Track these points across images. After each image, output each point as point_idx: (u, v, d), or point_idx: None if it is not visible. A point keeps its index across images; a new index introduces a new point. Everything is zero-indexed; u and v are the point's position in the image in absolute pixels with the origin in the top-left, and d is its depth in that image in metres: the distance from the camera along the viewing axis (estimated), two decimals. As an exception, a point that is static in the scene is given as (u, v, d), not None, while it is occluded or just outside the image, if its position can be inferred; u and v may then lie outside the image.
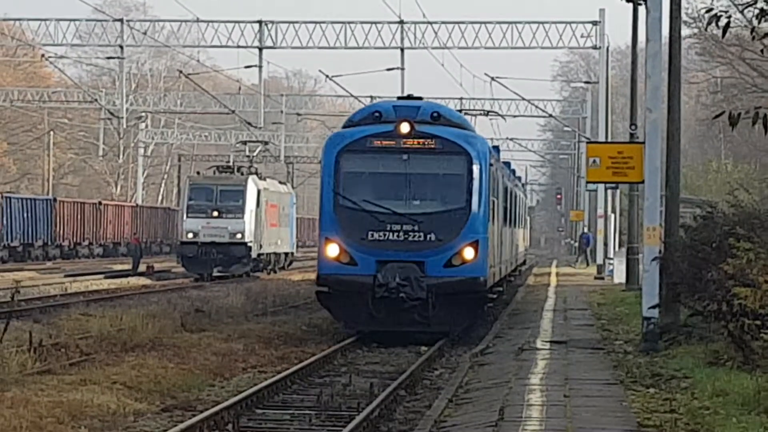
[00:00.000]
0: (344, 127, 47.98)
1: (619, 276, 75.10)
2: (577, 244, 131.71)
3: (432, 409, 27.30)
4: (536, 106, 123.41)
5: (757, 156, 43.22)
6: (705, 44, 54.33)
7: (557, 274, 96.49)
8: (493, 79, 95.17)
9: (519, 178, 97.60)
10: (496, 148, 59.66)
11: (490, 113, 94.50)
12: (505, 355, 37.26)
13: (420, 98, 53.81)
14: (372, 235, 39.71)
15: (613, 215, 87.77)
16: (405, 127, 40.62)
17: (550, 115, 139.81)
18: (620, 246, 78.49)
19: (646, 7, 40.16)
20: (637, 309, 42.77)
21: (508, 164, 77.02)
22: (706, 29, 48.40)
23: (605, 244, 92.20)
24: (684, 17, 43.07)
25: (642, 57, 49.00)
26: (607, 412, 25.61)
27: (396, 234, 39.93)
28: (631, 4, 48.70)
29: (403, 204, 42.33)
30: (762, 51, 14.99)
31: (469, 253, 42.44)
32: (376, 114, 41.69)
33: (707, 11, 17.45)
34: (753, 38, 15.00)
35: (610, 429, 23.74)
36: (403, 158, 41.30)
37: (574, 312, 55.63)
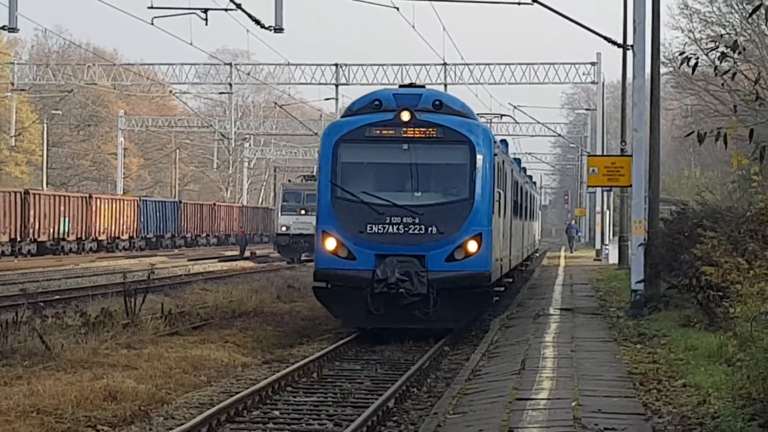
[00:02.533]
0: (343, 116, 37.23)
1: (613, 258, 74.68)
2: (565, 234, 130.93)
3: (470, 361, 27.31)
4: (548, 128, 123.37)
5: (719, 165, 43.30)
6: (678, 79, 53.93)
7: (565, 257, 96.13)
8: (515, 107, 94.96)
9: (530, 177, 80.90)
10: (504, 142, 46.77)
11: (504, 116, 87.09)
12: (525, 319, 36.72)
13: (423, 86, 40.97)
14: (371, 228, 31.33)
15: (608, 211, 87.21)
16: (405, 116, 32.12)
17: (559, 135, 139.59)
18: (614, 235, 77.99)
19: (633, 52, 39.97)
20: (626, 284, 42.36)
21: (518, 161, 60.21)
22: (679, 68, 47.95)
23: (602, 234, 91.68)
24: (662, 59, 42.71)
25: (630, 90, 48.49)
26: (604, 363, 25.51)
27: (396, 227, 31.48)
28: (621, 49, 48.43)
29: (404, 195, 33.03)
30: (722, 84, 15.03)
31: (472, 246, 32.82)
32: (376, 102, 32.92)
33: (680, 54, 17.38)
34: (715, 75, 14.84)
35: (606, 375, 23.59)
36: (404, 148, 32.40)
37: (578, 286, 54.35)
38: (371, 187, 31.00)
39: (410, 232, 30.67)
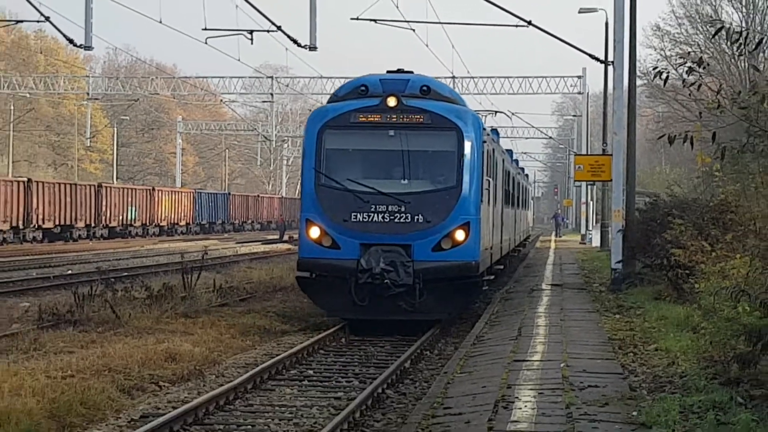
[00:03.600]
0: (329, 101, 31.45)
1: (596, 242, 74.55)
2: (553, 221, 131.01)
3: (474, 328, 27.18)
4: (541, 132, 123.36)
5: (686, 163, 43.42)
6: (651, 90, 54.02)
7: (555, 241, 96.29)
8: (513, 113, 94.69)
9: (522, 169, 73.45)
10: (495, 132, 40.17)
11: (498, 112, 73.56)
12: (521, 293, 36.69)
13: (411, 72, 33.68)
14: (355, 217, 26.65)
15: (591, 202, 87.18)
16: (392, 101, 27.30)
17: (550, 137, 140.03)
18: (596, 222, 77.84)
19: (613, 67, 39.96)
20: (607, 263, 42.48)
21: (510, 152, 52.91)
22: (652, 80, 47.82)
23: (587, 221, 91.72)
24: (638, 73, 42.68)
25: (610, 99, 48.49)
26: (588, 330, 25.62)
27: (381, 215, 26.70)
28: (603, 65, 48.43)
29: (390, 183, 27.95)
30: (689, 94, 15.08)
31: (459, 235, 27.62)
32: (362, 88, 28.11)
33: (654, 69, 17.42)
34: (683, 86, 14.90)
35: (590, 341, 23.68)
36: (390, 134, 27.43)
37: (566, 265, 54.22)
38: (356, 174, 26.00)
39: (396, 220, 25.61)
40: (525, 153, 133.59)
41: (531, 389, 17.49)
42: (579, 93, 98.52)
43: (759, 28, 51.85)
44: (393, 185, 24.52)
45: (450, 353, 24.93)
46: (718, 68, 24.92)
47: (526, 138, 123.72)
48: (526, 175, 78.61)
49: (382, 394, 19.99)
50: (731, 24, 25.17)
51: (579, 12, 71.70)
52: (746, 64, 14.72)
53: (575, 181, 76.85)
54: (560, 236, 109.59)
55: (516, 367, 19.74)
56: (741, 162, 16.15)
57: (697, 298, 23.86)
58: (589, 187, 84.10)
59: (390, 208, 24.22)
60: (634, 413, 15.38)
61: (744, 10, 67.23)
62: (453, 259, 24.88)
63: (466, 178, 24.60)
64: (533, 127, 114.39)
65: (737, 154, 14.79)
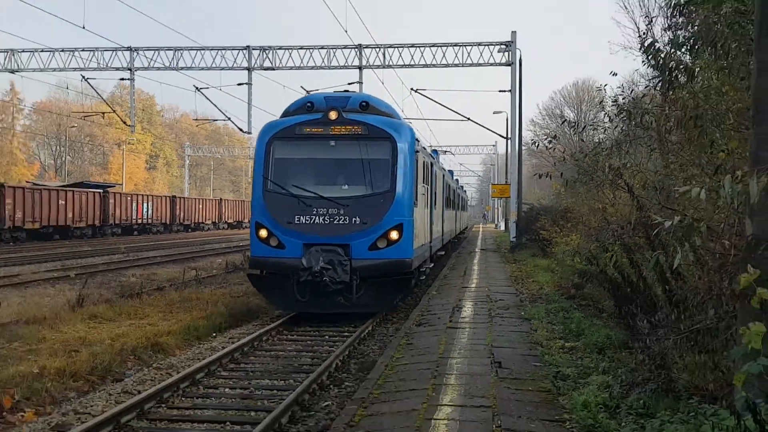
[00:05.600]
0: (281, 117, 21.12)
1: (502, 227, 74.69)
2: (482, 217, 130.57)
3: (442, 271, 25.73)
4: (474, 173, 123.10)
5: (547, 188, 43.51)
6: (530, 150, 54.63)
7: (482, 227, 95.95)
8: (460, 164, 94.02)
9: (462, 186, 59.52)
10: (436, 152, 30.00)
11: (446, 151, 61.50)
12: (465, 254, 36.26)
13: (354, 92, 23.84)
14: (299, 219, 17.83)
15: (500, 207, 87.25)
16: (333, 115, 19.24)
17: (479, 175, 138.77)
18: (503, 217, 77.89)
19: (510, 140, 40.38)
20: (508, 238, 42.43)
21: (451, 172, 40.87)
22: (531, 146, 47.89)
23: (498, 217, 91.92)
24: (523, 143, 42.96)
25: (510, 156, 48.69)
26: (499, 272, 25.47)
27: (322, 218, 17.90)
28: (505, 139, 48.65)
29: (330, 188, 18.71)
30: (549, 153, 15.53)
31: (393, 235, 17.95)
32: (309, 104, 19.83)
33: (532, 141, 18.11)
34: (546, 149, 15.62)
35: (500, 277, 23.49)
36: (331, 144, 18.92)
37: (488, 240, 53.05)
38: (300, 180, 18.01)
39: (336, 222, 17.35)
40: (466, 184, 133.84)
41: (471, 301, 17.43)
42: (494, 153, 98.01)
43: (584, 118, 52.40)
44: (333, 190, 17.00)
45: (426, 287, 24.09)
46: (563, 140, 25.30)
47: (467, 176, 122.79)
48: (465, 191, 66.36)
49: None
50: (568, 118, 25.84)
51: (493, 113, 74.68)
52: (577, 138, 15.33)
53: (492, 197, 76.74)
54: (486, 225, 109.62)
55: (463, 291, 19.64)
56: (574, 188, 16.73)
57: (553, 255, 24.25)
58: (498, 200, 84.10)
59: (330, 211, 16.60)
60: (522, 313, 15.31)
61: (576, 111, 69.37)
62: (388, 257, 16.53)
63: (399, 183, 16.78)
64: (470, 170, 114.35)
65: (573, 183, 15.40)
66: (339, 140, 16.98)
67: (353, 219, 16.14)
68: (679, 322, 8.54)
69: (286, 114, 17.93)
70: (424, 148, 20.54)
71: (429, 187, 21.09)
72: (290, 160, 17.06)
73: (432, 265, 23.56)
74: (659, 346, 8.31)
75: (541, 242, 29.13)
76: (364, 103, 17.62)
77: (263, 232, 16.33)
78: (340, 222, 16.21)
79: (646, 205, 10.87)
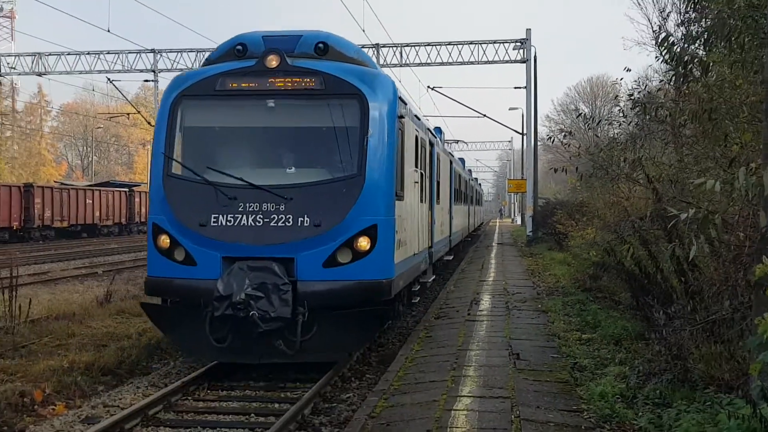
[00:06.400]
0: (202, 66, 11.10)
1: (519, 222, 74.67)
2: (499, 212, 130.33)
3: (460, 265, 26.11)
4: (490, 168, 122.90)
5: (563, 182, 43.17)
6: (545, 146, 54.48)
7: (498, 222, 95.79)
8: (477, 159, 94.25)
9: (476, 179, 50.70)
10: (438, 129, 19.44)
11: (458, 141, 50.82)
12: (482, 248, 36.26)
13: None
14: (217, 220, 8.94)
15: (516, 202, 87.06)
16: (273, 62, 9.70)
17: (495, 171, 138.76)
18: (520, 212, 77.70)
19: (526, 135, 40.31)
20: (524, 232, 42.19)
21: (462, 161, 34.45)
22: (546, 141, 47.55)
23: (514, 212, 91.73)
24: (539, 138, 42.82)
25: (526, 151, 48.58)
26: (516, 266, 25.41)
27: (253, 217, 8.91)
28: (521, 135, 48.63)
29: (266, 173, 9.60)
30: (565, 148, 15.54)
31: (361, 243, 9.10)
32: (239, 47, 10.22)
33: (548, 137, 18.03)
34: (561, 144, 15.55)
35: (517, 270, 23.44)
36: (269, 105, 9.64)
37: (505, 235, 52.87)
38: (220, 160, 10.11)
39: (273, 224, 9.50)
40: (483, 180, 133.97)
41: (488, 294, 17.31)
42: (510, 149, 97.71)
43: (598, 114, 52.13)
44: (271, 175, 10.14)
45: (448, 277, 22.87)
46: (578, 135, 25.28)
47: (483, 172, 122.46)
48: (480, 184, 57.71)
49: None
50: (584, 112, 25.80)
51: (508, 109, 73.89)
52: (592, 133, 15.34)
53: (508, 192, 76.62)
54: (502, 220, 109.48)
55: (480, 284, 19.59)
56: (589, 182, 16.66)
57: (569, 248, 24.21)
58: (515, 195, 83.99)
59: (265, 207, 9.80)
60: (539, 306, 15.16)
61: (590, 106, 68.93)
62: (353, 278, 9.59)
63: (372, 163, 9.95)
64: (487, 165, 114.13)
65: (588, 178, 15.35)
66: (281, 99, 10.24)
67: (301, 219, 9.58)
68: (695, 313, 8.49)
69: (207, 62, 11.15)
70: (418, 118, 13.47)
71: (427, 174, 14.72)
72: (205, 131, 10.52)
73: (434, 277, 16.75)
74: (675, 337, 8.27)
75: (557, 236, 29.11)
76: (321, 45, 10.85)
77: (164, 240, 9.87)
78: (281, 224, 9.58)
79: (662, 197, 10.80)
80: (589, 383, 8.61)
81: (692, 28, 11.55)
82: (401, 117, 10.76)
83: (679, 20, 15.16)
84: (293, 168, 10.14)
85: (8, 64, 43.95)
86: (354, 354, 10.99)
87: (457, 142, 49.34)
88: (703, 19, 10.59)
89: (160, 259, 9.88)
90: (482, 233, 56.35)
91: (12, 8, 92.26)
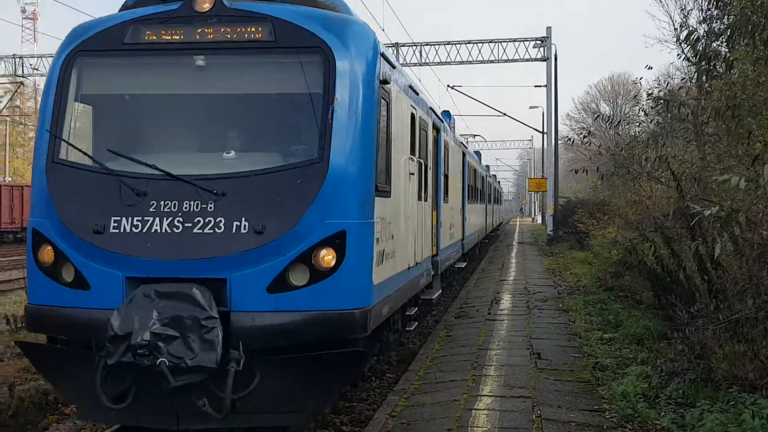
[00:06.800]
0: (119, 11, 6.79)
1: (539, 221, 74.32)
2: (519, 211, 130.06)
3: (480, 264, 26.09)
4: (510, 167, 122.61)
5: (584, 181, 42.98)
6: (566, 145, 54.05)
7: (519, 221, 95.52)
8: (497, 159, 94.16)
9: (494, 176, 45.74)
10: (447, 113, 16.54)
11: (476, 135, 48.68)
12: (502, 247, 36.06)
13: None
14: (119, 225, 5.39)
15: (537, 201, 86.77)
16: (204, 4, 5.99)
17: (515, 170, 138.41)
18: (540, 210, 77.43)
19: (547, 134, 40.12)
20: (545, 231, 42.11)
21: (478, 153, 30.80)
22: (566, 141, 47.31)
23: (535, 210, 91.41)
24: (559, 137, 42.57)
25: (546, 151, 48.37)
26: (535, 265, 25.33)
27: (169, 221, 5.37)
28: (541, 134, 48.43)
29: (190, 159, 6.15)
30: (585, 147, 15.53)
31: (323, 258, 5.69)
32: None
33: (567, 138, 17.96)
34: (581, 143, 15.45)
35: (537, 269, 23.39)
36: (198, 64, 5.96)
37: (525, 234, 52.62)
38: (127, 141, 6.45)
39: (198, 230, 5.76)
40: (502, 179, 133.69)
41: (509, 294, 17.25)
42: (530, 148, 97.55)
43: (620, 112, 51.95)
44: (196, 162, 6.39)
45: (467, 278, 23.64)
46: (599, 134, 25.16)
47: (504, 171, 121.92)
48: (499, 182, 54.84)
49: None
50: (604, 112, 25.63)
51: (529, 108, 73.31)
52: (613, 132, 15.29)
53: (528, 191, 76.45)
54: (522, 219, 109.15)
55: (501, 283, 19.52)
56: (611, 181, 16.57)
57: (591, 248, 24.05)
58: (535, 193, 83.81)
59: (187, 207, 5.88)
60: (560, 305, 15.10)
61: (612, 105, 68.71)
62: (312, 308, 5.93)
63: (341, 144, 6.13)
64: (507, 164, 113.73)
65: (609, 177, 15.28)
66: (215, 55, 6.99)
67: (237, 223, 6.42)
68: (718, 312, 8.41)
69: (124, 8, 7.69)
70: (415, 91, 9.98)
71: (431, 165, 11.71)
72: (108, 100, 7.29)
73: (440, 291, 13.65)
74: (698, 336, 8.20)
75: (578, 235, 29.01)
76: None
77: (46, 253, 6.72)
78: (208, 230, 6.40)
79: (684, 195, 10.72)
80: (610, 383, 8.56)
81: (715, 24, 11.45)
82: (385, 82, 7.36)
83: (702, 17, 15.02)
84: (231, 152, 6.81)
85: (31, 65, 44.35)
86: (318, 416, 7.53)
87: (474, 136, 46.09)
88: (726, 16, 10.50)
89: (43, 279, 6.66)
90: (502, 233, 56.28)
91: (35, 9, 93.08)
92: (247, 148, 6.92)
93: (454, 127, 17.34)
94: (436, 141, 12.63)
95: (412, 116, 9.67)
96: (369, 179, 6.78)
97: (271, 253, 6.19)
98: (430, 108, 12.05)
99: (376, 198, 6.97)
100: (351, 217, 6.49)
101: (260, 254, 6.18)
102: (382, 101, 7.36)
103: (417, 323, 11.46)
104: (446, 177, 14.13)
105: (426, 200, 11.11)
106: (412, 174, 9.54)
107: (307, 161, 6.48)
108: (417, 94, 10.25)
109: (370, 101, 6.82)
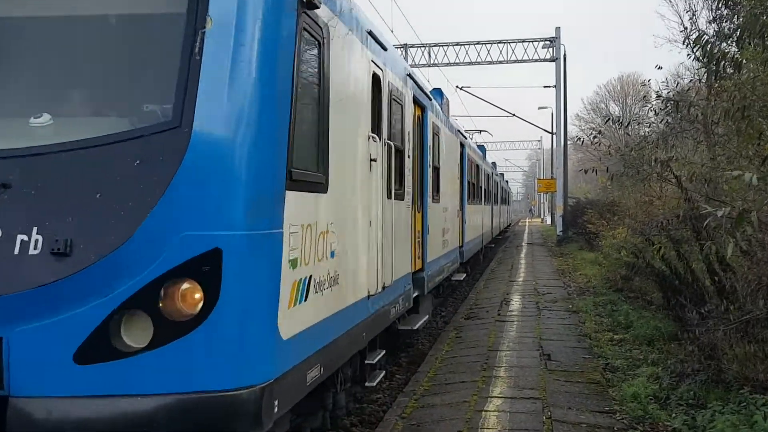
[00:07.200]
0: None
1: (549, 221, 74.20)
2: (529, 212, 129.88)
3: (489, 265, 26.01)
4: (519, 167, 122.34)
5: (593, 182, 42.79)
6: (575, 146, 53.95)
7: (528, 223, 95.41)
8: (506, 159, 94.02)
9: (502, 175, 45.25)
10: (438, 92, 12.65)
11: (482, 131, 44.55)
12: (512, 248, 36.14)
13: None
14: None
15: (546, 201, 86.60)
16: None
17: (524, 170, 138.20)
18: (549, 211, 77.27)
19: (556, 135, 39.99)
20: (554, 231, 42.10)
21: (482, 148, 26.85)
22: (575, 141, 47.27)
23: (544, 211, 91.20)
24: (568, 138, 42.51)
25: (555, 151, 48.24)
26: (545, 265, 25.29)
27: None
28: (550, 134, 48.37)
29: None
30: (595, 147, 15.40)
31: (184, 298, 2.68)
32: None
33: (577, 138, 17.90)
34: (591, 144, 15.42)
35: (546, 270, 23.36)
36: None
37: (534, 235, 52.61)
38: None
39: None
40: (510, 179, 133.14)
41: (518, 295, 17.25)
42: (539, 149, 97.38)
43: (629, 112, 51.86)
44: None
45: (476, 278, 22.49)
46: (608, 134, 25.07)
47: (512, 173, 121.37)
48: (507, 182, 53.61)
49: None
50: (614, 113, 25.54)
51: (538, 108, 73.14)
52: (623, 132, 15.21)
53: (538, 191, 76.27)
54: (532, 219, 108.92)
55: (511, 284, 19.54)
56: (620, 181, 16.54)
57: (600, 248, 24.01)
58: (545, 194, 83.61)
59: None
60: (570, 306, 15.13)
61: (621, 105, 68.68)
62: (159, 389, 2.96)
63: (218, 97, 3.16)
64: (516, 165, 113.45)
65: (619, 177, 15.25)
66: None
67: (23, 237, 3.65)
68: (729, 312, 8.39)
69: None
70: (378, 42, 7.13)
71: (411, 153, 9.05)
72: None
73: (426, 318, 10.80)
74: (709, 337, 8.19)
75: (588, 236, 28.91)
76: None
77: None
78: None
79: (694, 196, 10.70)
80: (621, 384, 8.56)
81: (724, 25, 11.42)
82: (313, 6, 4.74)
83: (711, 17, 14.98)
84: (44, 115, 4.20)
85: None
86: None
87: (480, 132, 43.09)
88: (735, 17, 10.47)
89: None
90: (511, 234, 56.26)
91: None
92: (71, 109, 4.31)
93: (447, 111, 14.01)
94: (421, 122, 9.78)
95: (376, 78, 6.86)
96: (272, 159, 4.16)
97: (82, 292, 3.63)
98: (409, 75, 8.85)
99: (291, 192, 4.43)
100: (232, 225, 3.84)
101: (62, 293, 3.63)
102: (308, 37, 4.75)
103: (384, 372, 8.14)
104: (436, 170, 11.33)
105: (402, 198, 8.40)
106: (374, 161, 6.73)
107: (153, 126, 3.86)
108: (385, 49, 7.29)
109: (274, 29, 4.22)
